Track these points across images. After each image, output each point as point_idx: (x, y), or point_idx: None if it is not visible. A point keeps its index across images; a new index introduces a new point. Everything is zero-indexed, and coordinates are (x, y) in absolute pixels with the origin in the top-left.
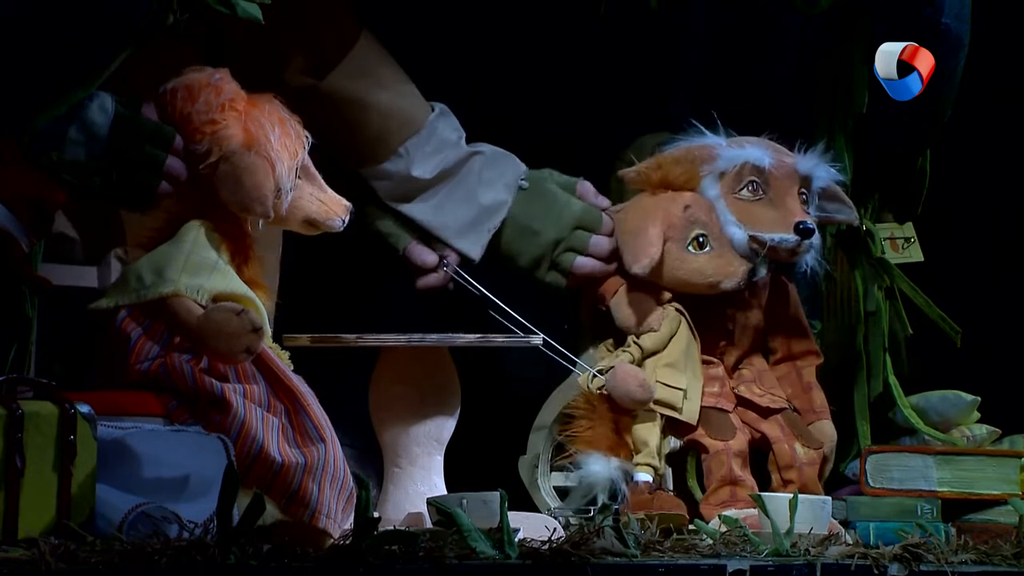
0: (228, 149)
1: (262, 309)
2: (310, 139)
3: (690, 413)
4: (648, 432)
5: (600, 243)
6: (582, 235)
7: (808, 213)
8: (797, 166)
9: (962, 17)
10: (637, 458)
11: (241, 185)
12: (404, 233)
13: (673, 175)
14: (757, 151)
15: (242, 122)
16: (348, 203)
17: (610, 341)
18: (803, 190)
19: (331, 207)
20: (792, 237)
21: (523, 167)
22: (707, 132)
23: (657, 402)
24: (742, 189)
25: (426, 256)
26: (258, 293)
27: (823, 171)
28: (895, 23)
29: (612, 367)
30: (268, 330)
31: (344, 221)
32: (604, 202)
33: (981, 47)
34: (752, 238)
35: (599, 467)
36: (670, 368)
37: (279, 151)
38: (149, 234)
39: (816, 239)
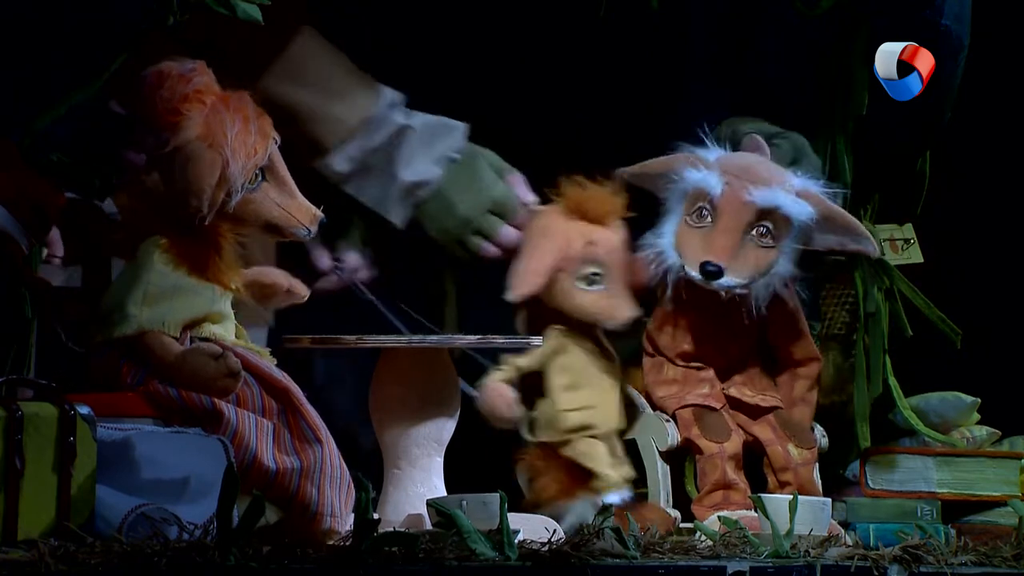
0: (183, 139)
1: (238, 327)
2: (278, 140)
3: (604, 420)
4: (597, 461)
5: (508, 234)
6: (493, 220)
7: (766, 246)
8: (755, 199)
9: (962, 19)
10: (601, 484)
11: (184, 175)
12: None
13: (590, 205)
14: (712, 177)
15: (204, 115)
16: (318, 212)
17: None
18: (764, 223)
19: (295, 215)
20: (696, 276)
21: (461, 141)
22: (709, 143)
23: (573, 431)
24: (693, 213)
25: (321, 260)
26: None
27: (792, 208)
28: (895, 24)
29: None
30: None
31: (310, 231)
32: (530, 197)
33: (981, 48)
34: (680, 266)
35: (574, 514)
36: (571, 391)
37: (235, 148)
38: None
39: (776, 274)
